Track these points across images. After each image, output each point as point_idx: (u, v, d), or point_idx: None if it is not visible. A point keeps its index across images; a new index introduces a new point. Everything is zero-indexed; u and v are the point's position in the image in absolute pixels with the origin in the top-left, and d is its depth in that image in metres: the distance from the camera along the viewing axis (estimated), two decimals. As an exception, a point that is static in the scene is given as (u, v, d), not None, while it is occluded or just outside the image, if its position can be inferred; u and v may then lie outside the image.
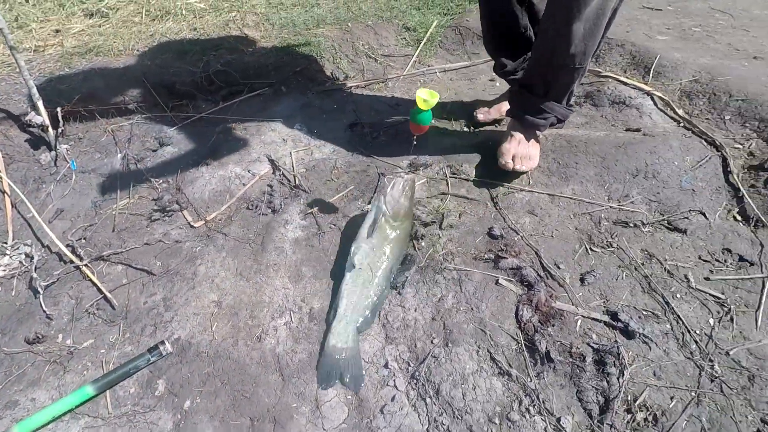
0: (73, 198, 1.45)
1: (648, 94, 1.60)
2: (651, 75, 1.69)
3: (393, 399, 0.87)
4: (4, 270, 1.31)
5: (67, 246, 1.25)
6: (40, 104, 1.49)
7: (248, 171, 1.40)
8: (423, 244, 1.14)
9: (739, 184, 1.22)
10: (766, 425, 0.82)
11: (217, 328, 1.00)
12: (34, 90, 1.47)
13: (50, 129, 1.54)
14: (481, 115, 1.53)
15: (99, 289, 1.14)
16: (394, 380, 0.89)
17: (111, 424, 0.88)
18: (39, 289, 1.15)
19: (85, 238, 1.31)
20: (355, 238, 1.07)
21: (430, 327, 0.97)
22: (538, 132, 1.32)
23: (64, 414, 0.88)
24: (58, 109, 1.57)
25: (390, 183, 1.11)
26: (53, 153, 1.56)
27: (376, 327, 0.98)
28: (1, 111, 1.59)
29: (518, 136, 1.31)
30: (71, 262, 1.22)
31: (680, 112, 1.51)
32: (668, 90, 1.62)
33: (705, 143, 1.39)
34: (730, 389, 0.86)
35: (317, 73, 1.80)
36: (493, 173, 1.32)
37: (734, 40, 1.94)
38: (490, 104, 1.56)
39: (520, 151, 1.29)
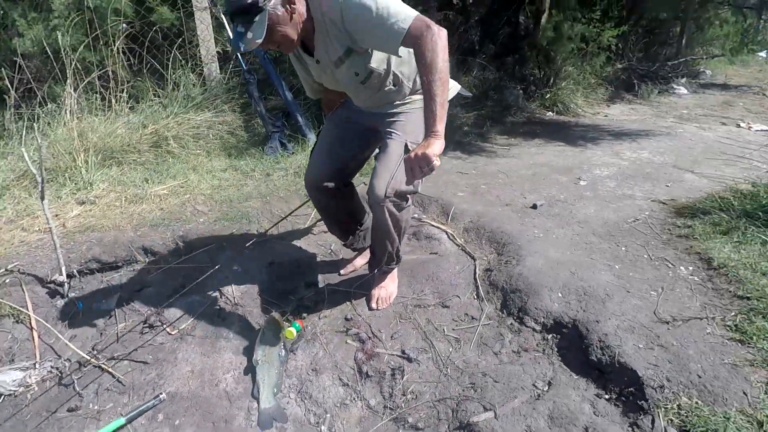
0: (83, 327, 2.21)
1: (444, 231, 2.76)
2: (449, 218, 2.88)
3: (288, 402, 1.71)
4: (37, 377, 2.02)
5: (88, 353, 2.01)
6: (63, 269, 2.33)
7: (207, 296, 2.28)
8: (308, 327, 2.05)
9: (478, 280, 2.31)
10: (464, 391, 1.75)
11: (192, 382, 1.81)
12: (62, 260, 2.31)
13: (66, 284, 2.35)
14: (343, 270, 2.45)
15: (113, 375, 1.90)
16: (290, 395, 1.75)
17: (134, 439, 1.62)
18: (73, 380, 1.89)
19: (96, 350, 2.07)
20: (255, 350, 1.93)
21: (309, 366, 1.85)
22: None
23: (107, 437, 1.62)
24: (73, 270, 2.40)
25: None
26: (66, 299, 2.35)
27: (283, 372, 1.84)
28: (30, 275, 2.39)
29: (378, 282, 2.19)
30: (89, 363, 1.98)
31: (459, 240, 2.65)
32: (456, 227, 2.79)
33: (469, 257, 2.51)
34: (451, 378, 1.81)
35: (247, 233, 2.80)
36: (351, 288, 2.30)
37: (501, 193, 3.26)
38: (351, 260, 2.50)
39: (382, 294, 2.16)
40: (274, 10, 1.51)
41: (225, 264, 2.53)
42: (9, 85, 3.39)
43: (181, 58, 3.83)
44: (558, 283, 2.12)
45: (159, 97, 3.79)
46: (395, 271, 2.24)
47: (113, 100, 3.59)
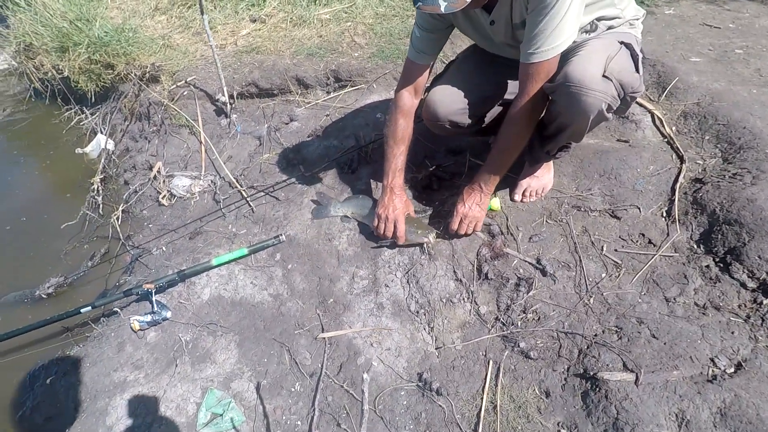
0: (238, 149, 2.34)
1: (650, 112, 2.00)
2: (663, 94, 2.06)
3: (392, 281, 1.58)
4: (200, 188, 2.26)
5: (236, 178, 2.14)
6: (225, 89, 2.40)
7: (344, 141, 2.15)
8: (436, 204, 1.79)
9: (677, 191, 1.65)
10: (605, 333, 1.36)
11: (309, 232, 1.79)
12: (223, 80, 2.37)
13: (228, 104, 2.45)
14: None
15: (248, 204, 2.00)
16: (396, 273, 1.60)
17: (253, 269, 1.72)
18: (219, 201, 2.06)
19: (243, 175, 2.19)
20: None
21: (423, 249, 1.64)
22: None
23: (232, 261, 1.75)
24: (233, 92, 2.47)
25: None
26: (228, 119, 2.48)
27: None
28: (201, 90, 2.54)
29: (532, 170, 1.69)
30: (235, 187, 2.11)
31: (667, 129, 1.90)
32: (672, 109, 1.99)
33: (675, 157, 1.80)
34: (592, 311, 1.41)
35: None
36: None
37: (766, 65, 2.16)
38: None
39: (534, 185, 1.71)
40: None
41: (370, 107, 2.31)
42: None
43: None
44: (815, 228, 1.37)
45: None
46: None
47: None
